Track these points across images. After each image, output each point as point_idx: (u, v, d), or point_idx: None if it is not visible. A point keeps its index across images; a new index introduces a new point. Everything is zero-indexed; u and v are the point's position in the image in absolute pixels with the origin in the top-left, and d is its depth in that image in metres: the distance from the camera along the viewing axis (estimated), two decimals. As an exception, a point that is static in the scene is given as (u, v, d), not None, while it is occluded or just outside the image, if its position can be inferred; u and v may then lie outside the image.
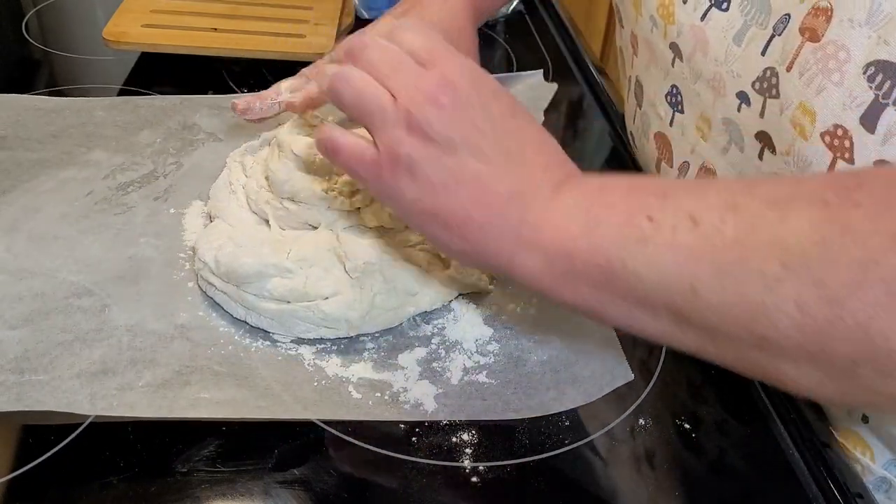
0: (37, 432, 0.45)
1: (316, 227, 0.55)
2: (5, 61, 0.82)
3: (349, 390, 0.49)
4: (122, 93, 0.77)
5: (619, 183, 0.41)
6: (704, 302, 0.36)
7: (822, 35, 0.44)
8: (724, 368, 0.54)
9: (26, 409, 0.46)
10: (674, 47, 0.56)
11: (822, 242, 0.32)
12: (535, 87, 0.80)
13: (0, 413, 0.46)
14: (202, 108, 0.74)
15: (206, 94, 0.76)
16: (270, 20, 0.84)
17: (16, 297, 0.53)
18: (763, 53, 0.48)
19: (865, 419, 0.52)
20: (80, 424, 0.46)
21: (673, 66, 0.57)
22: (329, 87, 0.44)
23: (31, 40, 0.86)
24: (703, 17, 0.53)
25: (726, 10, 0.51)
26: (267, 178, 0.57)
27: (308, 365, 0.50)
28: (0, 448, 0.45)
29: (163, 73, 0.80)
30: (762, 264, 0.33)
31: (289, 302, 0.51)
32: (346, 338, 0.52)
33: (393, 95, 0.42)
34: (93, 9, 0.94)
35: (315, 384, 0.49)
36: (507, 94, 0.44)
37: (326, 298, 0.51)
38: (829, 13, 0.43)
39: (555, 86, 0.79)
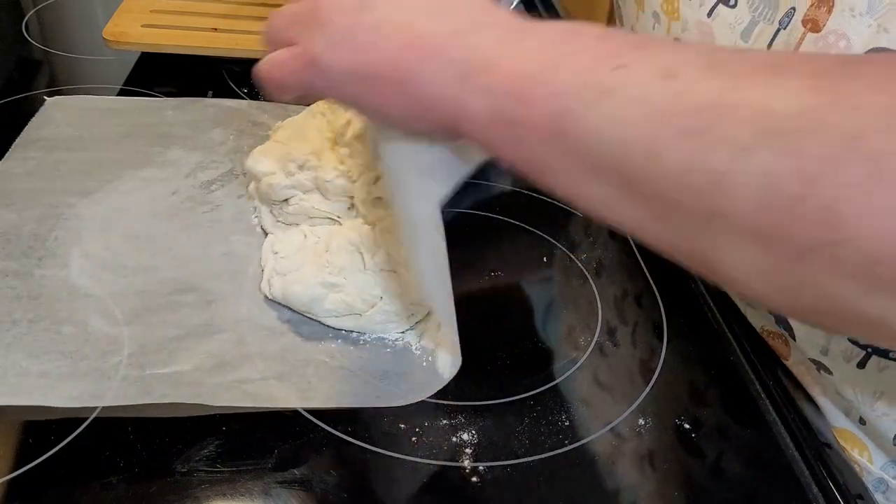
0: (37, 432, 0.45)
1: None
2: (5, 61, 0.82)
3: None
4: (121, 93, 0.77)
5: (590, 30, 0.35)
6: (662, 167, 0.31)
7: (823, 25, 0.44)
8: (724, 366, 0.54)
9: (153, 401, 0.47)
10: None
11: (807, 112, 0.28)
12: None
13: (2, 409, 0.46)
14: (268, 108, 0.75)
15: (206, 94, 0.76)
16: (270, 20, 0.84)
17: (121, 294, 0.54)
18: (769, 47, 0.48)
19: (863, 421, 0.52)
20: (81, 424, 0.46)
21: None
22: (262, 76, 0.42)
23: (31, 40, 0.86)
24: (709, 14, 0.53)
25: (734, 6, 0.51)
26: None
27: (415, 349, 0.53)
28: (0, 448, 0.45)
29: (163, 73, 0.80)
30: (736, 129, 0.29)
31: (359, 314, 0.53)
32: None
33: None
34: (93, 9, 0.94)
35: (425, 365, 0.52)
36: None
37: (381, 298, 0.52)
38: (831, 3, 0.44)
39: None
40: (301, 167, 0.59)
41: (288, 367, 0.50)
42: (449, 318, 0.51)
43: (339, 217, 0.58)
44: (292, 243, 0.56)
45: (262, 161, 0.62)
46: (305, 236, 0.57)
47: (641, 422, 0.49)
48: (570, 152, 0.34)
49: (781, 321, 0.54)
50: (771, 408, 0.52)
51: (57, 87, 0.77)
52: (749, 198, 0.29)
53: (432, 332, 0.54)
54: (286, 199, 0.59)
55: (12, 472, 0.43)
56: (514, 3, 0.95)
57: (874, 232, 0.27)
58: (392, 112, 0.39)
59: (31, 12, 0.91)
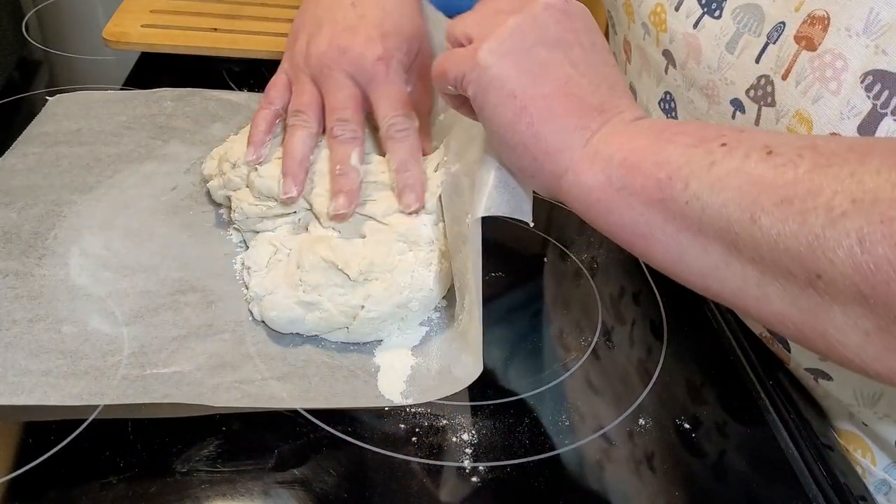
0: (37, 432, 0.45)
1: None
2: (5, 61, 0.82)
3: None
4: (122, 93, 0.77)
5: (694, 122, 0.42)
6: (763, 232, 0.34)
7: (819, 44, 0.44)
8: (724, 366, 0.54)
9: (153, 401, 0.46)
10: (667, 54, 0.56)
11: (893, 184, 0.31)
12: None
13: (2, 409, 0.46)
14: None
15: (206, 89, 0.76)
16: (270, 20, 0.84)
17: (122, 294, 0.54)
18: (757, 61, 0.48)
19: (864, 424, 0.52)
20: (81, 424, 0.46)
21: (666, 73, 0.57)
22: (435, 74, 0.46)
23: (31, 40, 0.86)
24: (695, 25, 0.53)
25: (719, 17, 0.51)
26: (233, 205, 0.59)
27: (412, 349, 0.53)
28: (0, 448, 0.45)
29: (163, 73, 0.80)
30: (831, 198, 0.32)
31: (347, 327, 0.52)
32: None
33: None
34: (93, 9, 0.94)
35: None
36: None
37: (363, 307, 0.51)
38: (826, 22, 0.43)
39: None
40: (234, 166, 0.59)
41: (288, 367, 0.50)
42: (478, 325, 0.50)
43: (274, 216, 0.57)
44: (262, 256, 0.55)
45: (207, 164, 0.62)
46: (276, 249, 0.55)
47: (641, 422, 0.49)
48: (674, 217, 0.37)
49: (775, 332, 0.54)
50: (771, 408, 0.52)
51: (57, 87, 0.77)
52: (846, 261, 0.32)
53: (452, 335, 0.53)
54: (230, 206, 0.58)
55: (12, 472, 0.43)
56: None
57: None
58: (515, 136, 0.43)
59: (31, 12, 0.91)
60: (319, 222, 0.55)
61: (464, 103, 0.47)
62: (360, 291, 0.51)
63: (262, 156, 0.57)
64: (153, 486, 0.43)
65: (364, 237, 0.54)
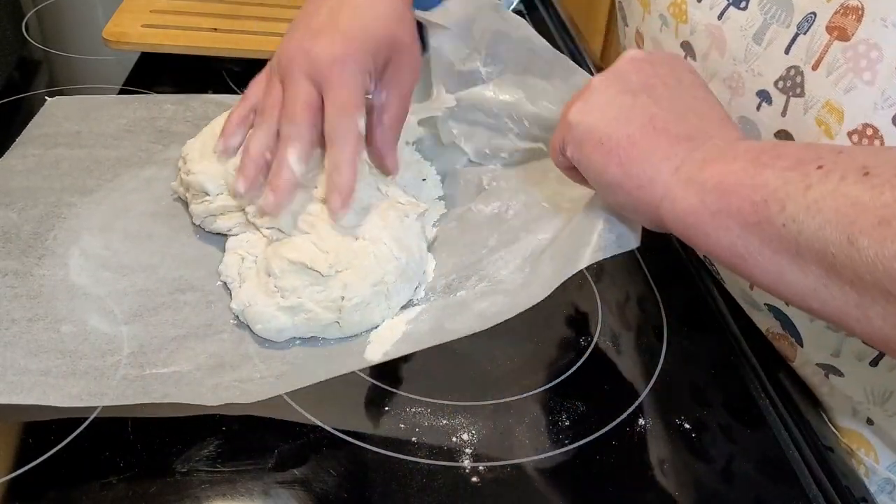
0: (37, 432, 0.45)
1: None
2: (5, 61, 0.82)
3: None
4: (121, 93, 0.77)
5: (794, 142, 0.43)
6: (861, 254, 0.34)
7: (853, 34, 0.43)
8: (724, 367, 0.54)
9: (153, 401, 0.46)
10: (685, 46, 0.56)
11: None
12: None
13: (2, 409, 0.46)
14: None
15: (206, 94, 0.76)
16: (270, 20, 0.84)
17: (121, 293, 0.54)
18: (787, 52, 0.48)
19: (870, 421, 0.52)
20: (81, 424, 0.46)
21: None
22: None
23: (31, 40, 0.86)
24: (720, 16, 0.53)
25: (745, 8, 0.51)
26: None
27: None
28: (0, 448, 0.45)
29: (163, 73, 0.80)
30: None
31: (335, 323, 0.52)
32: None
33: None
34: (93, 9, 0.94)
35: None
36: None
37: (343, 297, 0.51)
38: (861, 12, 0.43)
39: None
40: (185, 162, 0.59)
41: (287, 365, 0.50)
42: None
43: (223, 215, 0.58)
44: (231, 267, 0.55)
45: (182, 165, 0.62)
46: (242, 258, 0.55)
47: (641, 422, 0.49)
48: (771, 239, 0.38)
49: (788, 326, 0.54)
50: (772, 408, 0.52)
51: (57, 87, 0.77)
52: None
53: None
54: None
55: (12, 472, 0.43)
56: (514, 3, 0.95)
57: None
58: (608, 178, 0.45)
59: (31, 12, 0.91)
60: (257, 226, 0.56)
61: (577, 170, 0.50)
62: (335, 283, 0.51)
63: (230, 147, 0.58)
64: (153, 486, 0.43)
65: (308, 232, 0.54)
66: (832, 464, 0.49)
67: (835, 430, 0.54)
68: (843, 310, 0.36)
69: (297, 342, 0.52)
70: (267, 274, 0.52)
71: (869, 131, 0.43)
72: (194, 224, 0.60)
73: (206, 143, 0.60)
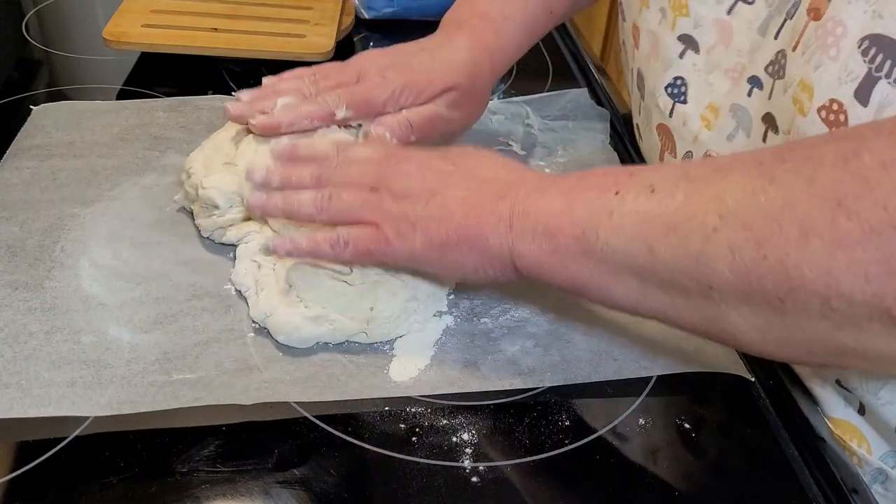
0: (37, 432, 0.45)
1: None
2: (5, 61, 0.82)
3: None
4: (121, 93, 0.77)
5: (595, 171, 0.46)
6: (659, 259, 0.40)
7: (824, 13, 0.44)
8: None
9: (185, 405, 0.47)
10: (685, 39, 0.57)
11: (752, 193, 0.37)
12: (585, 114, 0.78)
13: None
14: None
15: (206, 94, 0.76)
16: (270, 20, 0.84)
17: (138, 302, 0.53)
18: (776, 37, 0.49)
19: (862, 410, 0.52)
20: (81, 424, 0.46)
21: (681, 57, 0.58)
22: (325, 217, 0.51)
23: (31, 40, 0.86)
24: (729, 11, 0.54)
25: (752, 3, 0.52)
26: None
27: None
28: (0, 448, 0.45)
29: (163, 73, 0.80)
30: (703, 218, 0.38)
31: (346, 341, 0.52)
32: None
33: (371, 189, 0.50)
34: (93, 9, 0.94)
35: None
36: (457, 147, 0.53)
37: (372, 309, 0.51)
38: None
39: (606, 113, 0.78)
40: (189, 176, 0.59)
41: (313, 367, 0.50)
42: None
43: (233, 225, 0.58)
44: (246, 276, 0.55)
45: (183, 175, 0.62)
46: (259, 266, 0.55)
47: (641, 421, 0.49)
48: (597, 264, 0.43)
49: None
50: (770, 405, 0.52)
51: (57, 87, 0.77)
52: (724, 268, 0.37)
53: None
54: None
55: (12, 472, 0.43)
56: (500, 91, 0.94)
57: (816, 276, 0.34)
58: (467, 268, 0.48)
59: (31, 12, 0.91)
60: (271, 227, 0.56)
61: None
62: (365, 295, 0.51)
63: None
64: (153, 486, 0.43)
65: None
66: (826, 457, 0.49)
67: (827, 422, 0.54)
68: (664, 311, 0.42)
69: (322, 343, 0.52)
70: (288, 284, 0.52)
71: (835, 106, 0.44)
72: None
73: (209, 156, 0.60)
